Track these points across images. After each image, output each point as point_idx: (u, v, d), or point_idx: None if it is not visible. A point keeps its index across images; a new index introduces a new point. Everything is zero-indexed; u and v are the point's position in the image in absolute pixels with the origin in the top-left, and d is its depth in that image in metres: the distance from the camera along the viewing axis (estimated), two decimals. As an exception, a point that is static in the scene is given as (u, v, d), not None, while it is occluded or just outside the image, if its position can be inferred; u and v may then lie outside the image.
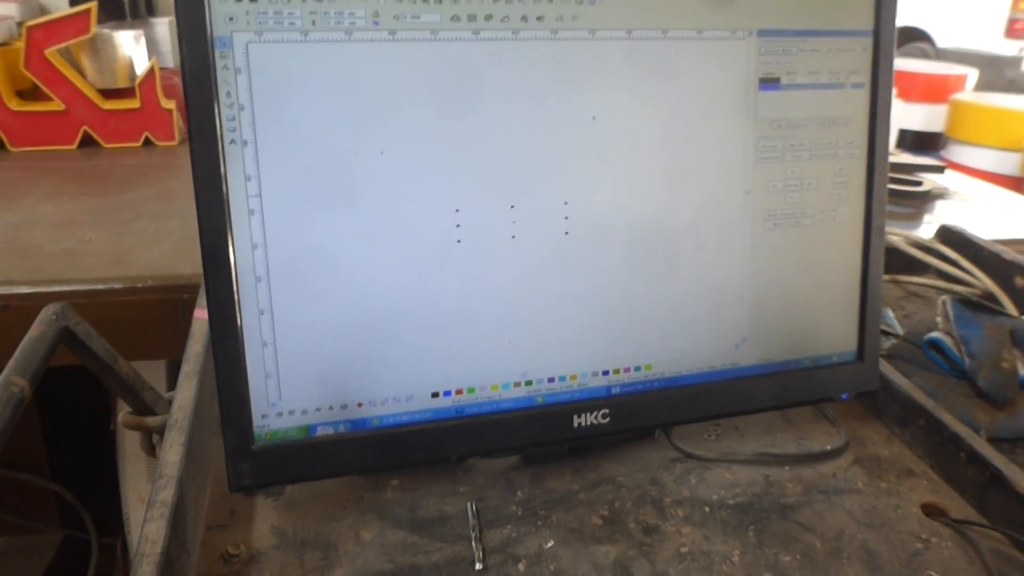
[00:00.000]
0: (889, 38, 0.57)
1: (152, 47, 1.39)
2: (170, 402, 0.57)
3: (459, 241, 0.49)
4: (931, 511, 0.54)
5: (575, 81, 0.50)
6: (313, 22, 0.44)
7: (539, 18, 0.48)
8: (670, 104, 0.52)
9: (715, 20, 0.52)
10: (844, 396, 0.60)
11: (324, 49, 0.45)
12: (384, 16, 0.45)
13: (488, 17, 0.47)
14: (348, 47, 0.45)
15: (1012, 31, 5.58)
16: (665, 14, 0.51)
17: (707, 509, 0.54)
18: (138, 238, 0.88)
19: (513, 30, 0.48)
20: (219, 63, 0.43)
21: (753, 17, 0.53)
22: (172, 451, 0.48)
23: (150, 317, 0.78)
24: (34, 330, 0.53)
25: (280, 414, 0.48)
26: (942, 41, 6.08)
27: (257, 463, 0.47)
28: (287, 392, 0.48)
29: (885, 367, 0.64)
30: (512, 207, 0.50)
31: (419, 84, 0.47)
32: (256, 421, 0.47)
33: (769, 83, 0.54)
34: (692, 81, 0.52)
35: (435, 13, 0.46)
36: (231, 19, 0.43)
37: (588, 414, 0.54)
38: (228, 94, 0.43)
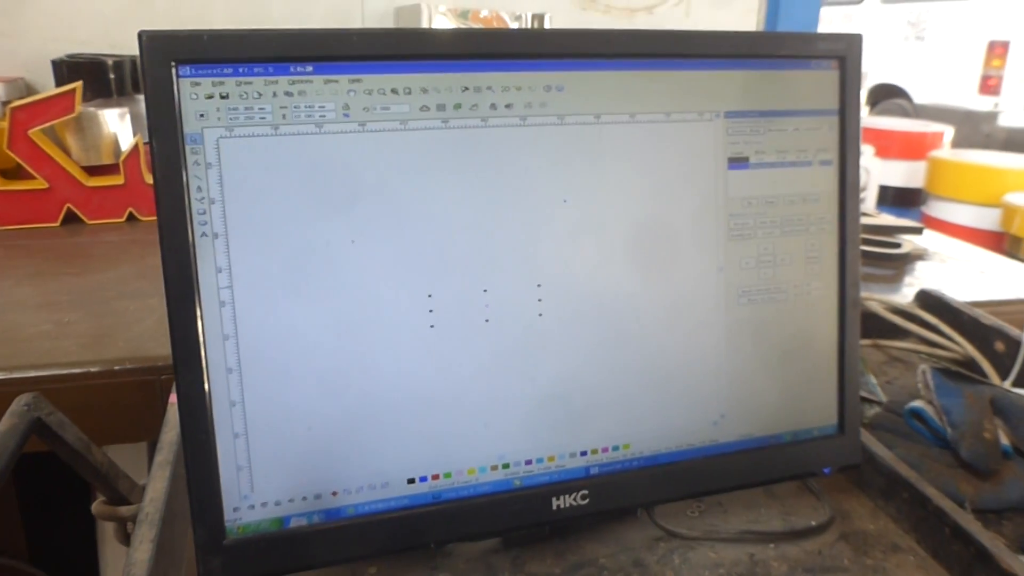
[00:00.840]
0: (855, 115, 0.58)
1: (138, 123, 1.40)
2: (144, 490, 0.56)
3: (432, 326, 0.49)
4: (918, 589, 0.53)
5: (545, 165, 0.50)
6: (283, 116, 0.45)
7: (508, 105, 0.49)
8: (641, 185, 0.53)
9: (682, 103, 0.53)
10: (826, 471, 0.59)
11: (295, 142, 0.45)
12: (354, 108, 0.46)
13: (457, 106, 0.48)
14: (319, 139, 0.46)
15: (986, 87, 5.72)
16: (632, 99, 0.52)
17: (691, 592, 0.53)
18: (118, 318, 0.88)
19: (482, 118, 0.49)
20: (190, 159, 0.43)
21: (720, 100, 0.54)
22: (141, 548, 0.47)
23: (128, 399, 0.77)
24: (4, 423, 0.53)
25: (252, 507, 0.47)
26: (919, 97, 6.22)
27: (229, 558, 0.46)
28: (259, 484, 0.47)
29: (868, 438, 0.64)
30: (485, 291, 0.50)
31: (390, 173, 0.47)
32: (227, 515, 0.46)
33: (738, 162, 0.55)
34: (662, 162, 0.53)
35: (404, 104, 0.47)
36: (202, 116, 0.43)
37: (567, 496, 0.53)
38: (199, 188, 0.44)
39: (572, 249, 0.52)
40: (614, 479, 0.54)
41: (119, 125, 1.35)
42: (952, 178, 3.67)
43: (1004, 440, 0.65)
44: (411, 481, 0.50)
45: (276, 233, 0.45)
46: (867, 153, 3.35)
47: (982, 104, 5.71)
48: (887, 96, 6.51)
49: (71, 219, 1.29)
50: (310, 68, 0.45)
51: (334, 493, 0.48)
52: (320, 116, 0.46)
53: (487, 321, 0.50)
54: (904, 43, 6.37)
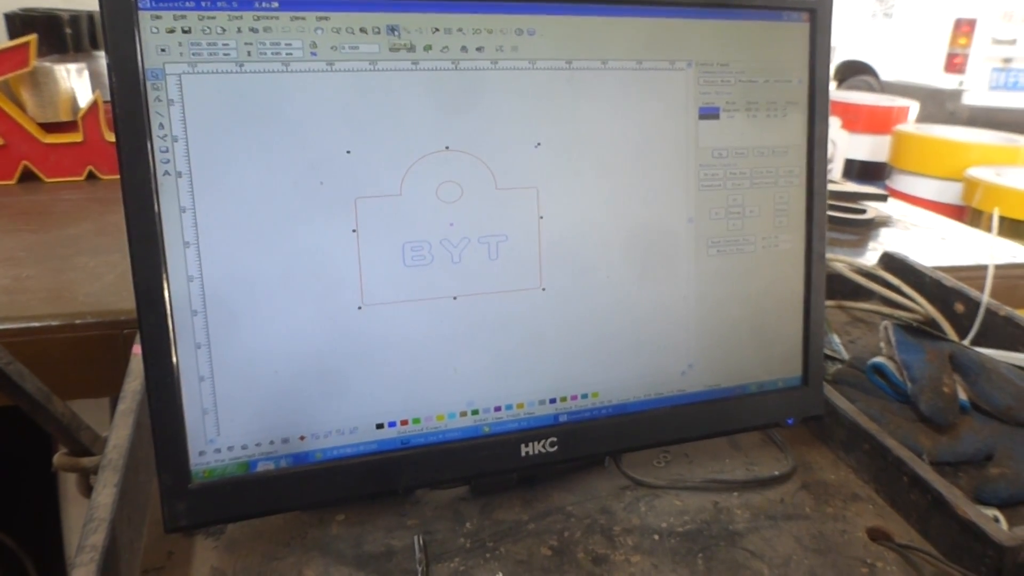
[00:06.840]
0: (824, 69, 0.58)
1: (96, 80, 1.37)
2: (107, 440, 0.55)
3: (401, 269, 0.49)
4: (876, 535, 0.54)
5: (517, 109, 0.50)
6: (249, 53, 0.44)
7: (479, 48, 0.49)
8: (612, 132, 0.53)
9: (653, 51, 0.53)
10: (790, 421, 0.60)
11: (261, 80, 0.44)
12: (322, 47, 0.45)
13: (427, 48, 0.47)
14: (285, 78, 0.45)
15: (951, 66, 5.78)
16: (604, 45, 0.51)
17: (656, 537, 0.53)
18: (78, 273, 0.86)
19: (453, 60, 0.48)
20: (151, 95, 0.42)
21: (691, 50, 0.54)
22: (105, 492, 0.46)
23: (90, 354, 0.76)
24: (-38, 369, 0.52)
25: (218, 450, 0.46)
26: (886, 74, 6.28)
27: (194, 502, 0.46)
28: (226, 427, 0.46)
29: (830, 392, 0.65)
30: (454, 233, 0.49)
31: (359, 114, 0.47)
32: (193, 458, 0.46)
33: (709, 113, 0.55)
34: (633, 110, 0.53)
35: (373, 44, 0.46)
36: (163, 50, 0.42)
37: (536, 443, 0.53)
38: (161, 126, 0.43)
39: (543, 194, 0.51)
40: (583, 427, 0.54)
41: (77, 81, 1.32)
42: (916, 152, 3.72)
43: (962, 395, 0.67)
44: (380, 426, 0.50)
45: (242, 173, 0.45)
46: (834, 125, 3.38)
47: (947, 82, 5.77)
48: (854, 73, 6.55)
49: (28, 177, 1.26)
50: (276, 4, 0.44)
51: (302, 438, 0.48)
52: (286, 54, 0.45)
53: (457, 263, 0.50)
54: (872, 20, 6.41)
